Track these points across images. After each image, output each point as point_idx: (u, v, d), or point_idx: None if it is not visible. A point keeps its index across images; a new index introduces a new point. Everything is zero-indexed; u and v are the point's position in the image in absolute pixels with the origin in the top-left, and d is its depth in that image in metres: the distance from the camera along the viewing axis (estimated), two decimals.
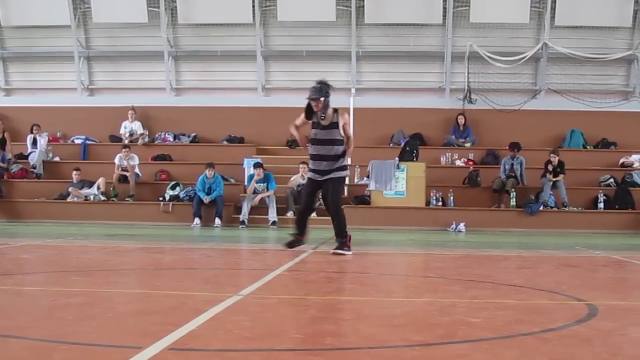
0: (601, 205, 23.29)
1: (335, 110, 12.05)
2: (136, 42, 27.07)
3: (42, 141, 25.47)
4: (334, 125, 11.94)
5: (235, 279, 9.32)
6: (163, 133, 26.60)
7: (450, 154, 25.24)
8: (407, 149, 23.63)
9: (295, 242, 12.36)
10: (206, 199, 22.43)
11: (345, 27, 26.67)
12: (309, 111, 12.03)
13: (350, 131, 12.22)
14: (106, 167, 24.41)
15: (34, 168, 25.05)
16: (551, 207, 23.31)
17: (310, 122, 12.10)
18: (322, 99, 11.86)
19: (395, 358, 4.60)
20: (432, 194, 23.28)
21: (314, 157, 12.11)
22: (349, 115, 12.47)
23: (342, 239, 11.95)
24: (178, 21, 26.99)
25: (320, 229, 16.60)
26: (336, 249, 11.89)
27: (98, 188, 23.68)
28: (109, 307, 6.50)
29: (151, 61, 27.34)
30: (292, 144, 25.65)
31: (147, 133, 26.44)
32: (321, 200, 12.63)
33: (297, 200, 22.84)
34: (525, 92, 26.26)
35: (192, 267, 10.61)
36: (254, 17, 26.43)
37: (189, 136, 26.53)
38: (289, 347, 4.77)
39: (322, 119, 11.89)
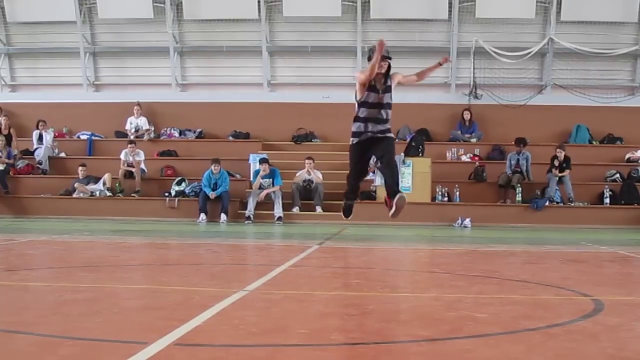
0: (607, 200, 23.27)
1: (387, 74, 11.46)
2: (142, 37, 27.08)
3: (48, 137, 25.49)
4: (388, 88, 11.43)
5: (241, 275, 9.33)
6: (169, 129, 26.62)
7: (456, 149, 25.21)
8: (413, 144, 23.61)
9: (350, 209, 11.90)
10: (212, 195, 22.43)
11: (350, 23, 26.66)
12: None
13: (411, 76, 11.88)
14: (112, 163, 24.42)
15: (40, 164, 25.07)
16: (557, 203, 23.30)
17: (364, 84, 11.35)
18: (388, 61, 11.36)
19: (401, 353, 4.60)
20: (437, 190, 23.26)
21: (366, 120, 11.42)
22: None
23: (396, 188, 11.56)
24: (183, 17, 26.99)
25: (325, 225, 16.60)
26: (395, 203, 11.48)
27: (104, 184, 23.69)
28: (114, 302, 6.51)
29: (157, 57, 27.35)
30: (298, 139, 25.82)
31: (153, 129, 26.46)
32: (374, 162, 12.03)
33: (302, 195, 22.88)
34: (531, 87, 26.23)
35: (198, 262, 10.62)
36: (259, 12, 26.42)
37: (194, 132, 26.54)
38: (295, 343, 4.78)
39: (378, 79, 11.30)
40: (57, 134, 26.23)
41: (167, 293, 7.07)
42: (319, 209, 22.39)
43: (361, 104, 11.22)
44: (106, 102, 26.99)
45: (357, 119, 11.23)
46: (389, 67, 11.26)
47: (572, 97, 25.52)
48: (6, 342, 4.68)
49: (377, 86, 11.18)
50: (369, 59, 11.20)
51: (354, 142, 11.24)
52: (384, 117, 11.30)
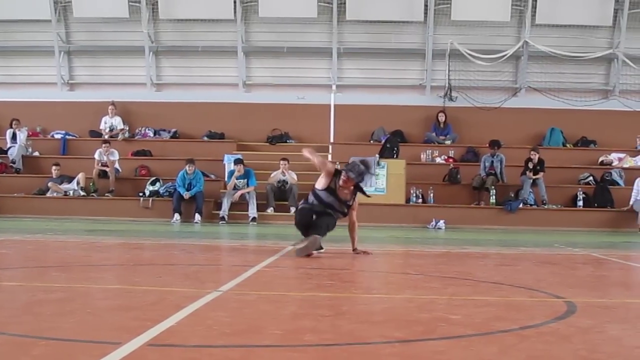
0: (580, 203, 23.39)
1: (355, 193, 11.44)
2: (117, 37, 26.99)
3: (22, 136, 25.33)
4: (346, 205, 11.41)
5: (215, 275, 9.31)
6: (143, 128, 26.54)
7: (430, 151, 25.26)
8: (388, 146, 23.66)
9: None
10: (186, 195, 22.39)
11: (326, 24, 26.67)
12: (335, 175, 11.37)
13: (354, 215, 11.60)
14: (86, 163, 24.33)
15: (13, 163, 24.93)
16: (531, 205, 23.41)
17: (329, 180, 11.38)
18: (355, 182, 11.22)
19: (374, 354, 4.61)
20: (412, 191, 23.32)
21: (317, 207, 11.47)
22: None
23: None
24: (159, 16, 26.93)
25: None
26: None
27: (78, 183, 23.59)
28: (88, 302, 6.49)
29: (132, 56, 27.27)
30: (272, 140, 25.79)
31: (127, 128, 26.37)
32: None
33: (277, 196, 22.86)
34: (506, 90, 26.33)
35: (171, 263, 10.59)
36: (235, 12, 26.40)
37: (169, 132, 26.46)
38: (269, 344, 4.77)
39: (342, 191, 11.30)
40: (30, 133, 26.09)
41: (140, 293, 7.05)
42: (293, 210, 22.36)
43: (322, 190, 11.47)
44: (81, 102, 26.89)
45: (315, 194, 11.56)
46: (354, 187, 11.40)
47: (547, 100, 25.69)
48: None
49: (336, 190, 11.38)
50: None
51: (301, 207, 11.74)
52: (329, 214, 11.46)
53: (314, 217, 11.27)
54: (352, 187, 11.32)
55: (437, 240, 17.56)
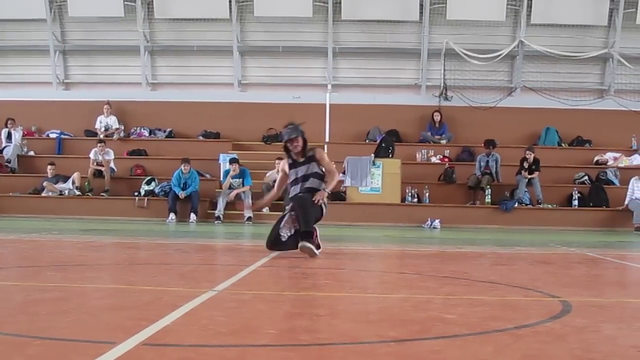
0: (575, 202, 23.41)
1: (311, 149, 11.49)
2: (112, 36, 26.98)
3: (17, 135, 25.32)
4: (311, 158, 11.31)
5: (210, 275, 9.30)
6: (139, 128, 26.53)
7: (425, 150, 25.28)
8: (383, 145, 23.67)
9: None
10: (181, 194, 22.39)
11: (322, 23, 26.69)
12: (286, 153, 11.42)
13: (332, 165, 11.65)
14: (81, 162, 24.32)
15: (9, 162, 24.91)
16: (526, 204, 23.42)
17: (285, 164, 11.47)
18: (299, 137, 11.23)
19: (370, 354, 4.60)
20: (407, 191, 23.33)
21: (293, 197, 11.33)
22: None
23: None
24: (154, 15, 26.91)
25: None
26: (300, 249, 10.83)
27: (73, 183, 23.58)
28: (83, 302, 6.47)
29: (127, 56, 27.25)
30: (268, 139, 25.78)
31: (123, 128, 26.36)
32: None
33: None
34: (501, 89, 26.36)
35: (167, 262, 10.57)
36: (230, 12, 26.40)
37: (164, 131, 26.45)
38: (264, 343, 4.77)
39: (298, 156, 11.31)
40: (26, 133, 26.09)
41: (135, 293, 7.04)
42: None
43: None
44: (76, 101, 26.89)
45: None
46: (304, 144, 11.40)
47: (542, 100, 25.71)
48: None
49: (295, 160, 11.43)
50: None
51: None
52: (311, 185, 11.32)
53: (282, 236, 11.13)
54: (301, 146, 11.28)
55: (433, 240, 17.56)
